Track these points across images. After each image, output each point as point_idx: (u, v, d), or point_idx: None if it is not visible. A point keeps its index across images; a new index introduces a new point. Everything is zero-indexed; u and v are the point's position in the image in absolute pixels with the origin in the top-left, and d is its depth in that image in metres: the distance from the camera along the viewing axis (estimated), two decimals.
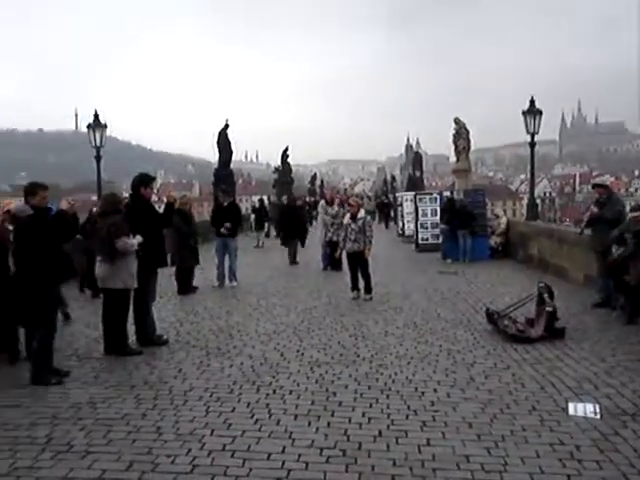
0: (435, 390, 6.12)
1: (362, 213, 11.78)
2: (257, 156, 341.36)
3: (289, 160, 47.44)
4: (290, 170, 47.55)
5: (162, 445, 4.86)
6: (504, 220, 19.21)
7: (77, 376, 6.72)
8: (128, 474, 4.40)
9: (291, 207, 19.78)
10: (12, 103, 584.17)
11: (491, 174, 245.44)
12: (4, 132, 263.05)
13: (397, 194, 36.68)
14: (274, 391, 6.14)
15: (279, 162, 47.85)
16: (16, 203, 7.21)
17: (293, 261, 17.51)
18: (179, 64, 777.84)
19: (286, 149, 47.08)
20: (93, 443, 4.93)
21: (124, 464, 4.54)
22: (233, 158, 33.46)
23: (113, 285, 7.48)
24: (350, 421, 5.32)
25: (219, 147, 31.99)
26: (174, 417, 5.46)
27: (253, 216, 27.02)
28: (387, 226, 36.92)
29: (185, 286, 12.41)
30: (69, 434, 5.11)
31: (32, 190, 6.59)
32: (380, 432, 5.08)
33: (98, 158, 19.66)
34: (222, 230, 13.38)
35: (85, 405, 5.82)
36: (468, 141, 26.36)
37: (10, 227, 7.18)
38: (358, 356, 7.44)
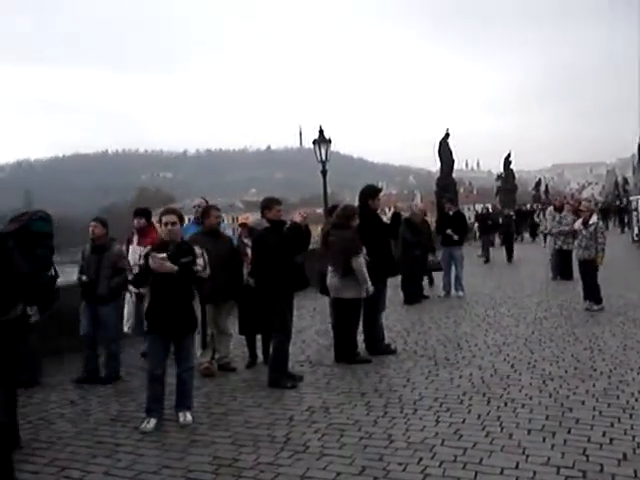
0: None
1: (594, 219, 11.10)
2: (478, 164, 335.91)
3: (512, 167, 46.13)
4: (513, 177, 46.22)
5: (393, 452, 4.90)
6: None
7: (310, 381, 7.03)
8: (361, 479, 4.49)
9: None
10: (243, 124, 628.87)
11: None
12: (237, 152, 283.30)
13: (631, 197, 34.41)
14: (505, 404, 5.95)
15: (501, 169, 46.71)
16: (253, 217, 7.73)
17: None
18: (393, 75, 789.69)
19: (508, 155, 45.88)
20: (327, 446, 5.10)
21: (357, 468, 4.64)
22: (454, 167, 33.24)
23: (346, 295, 7.72)
24: (589, 440, 4.99)
25: (440, 157, 31.94)
26: (404, 425, 5.50)
27: (477, 225, 26.59)
28: (622, 231, 34.97)
29: (411, 296, 12.49)
30: (305, 436, 5.35)
31: (268, 204, 7.02)
32: (625, 455, 4.69)
33: (324, 172, 20.45)
34: (448, 232, 13.34)
35: (318, 409, 6.05)
36: None
37: (247, 240, 7.72)
38: (595, 370, 6.99)
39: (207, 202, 8.77)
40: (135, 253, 7.93)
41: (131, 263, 7.49)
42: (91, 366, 7.43)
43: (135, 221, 8.55)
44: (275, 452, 5.01)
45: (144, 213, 8.75)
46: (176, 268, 5.70)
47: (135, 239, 8.43)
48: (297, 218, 6.95)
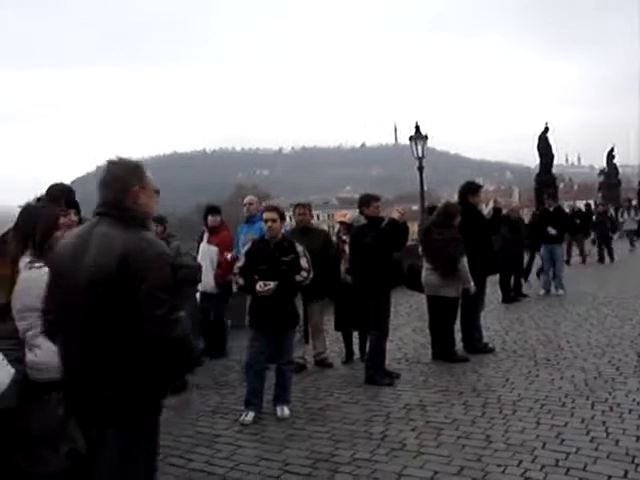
0: None
1: None
2: (579, 159, 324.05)
3: (615, 161, 44.28)
4: (617, 172, 44.35)
5: (492, 454, 4.80)
6: None
7: (407, 379, 6.98)
8: (458, 479, 4.43)
9: None
10: (338, 121, 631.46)
11: None
12: (332, 149, 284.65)
13: None
14: (611, 408, 5.71)
15: (604, 164, 44.91)
16: (350, 214, 7.74)
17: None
18: (489, 69, 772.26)
19: (612, 149, 44.03)
20: (424, 444, 5.05)
21: (455, 468, 4.58)
22: (554, 162, 32.24)
23: (444, 293, 7.63)
24: None
25: (539, 152, 31.05)
26: (503, 426, 5.38)
27: (578, 222, 25.62)
28: None
29: (510, 294, 12.24)
30: (402, 433, 5.32)
31: (366, 201, 7.02)
32: None
33: (420, 169, 20.26)
34: (549, 229, 12.94)
35: (415, 407, 6.01)
36: None
37: (345, 237, 7.74)
38: None
39: (259, 200, 8.38)
40: (204, 251, 8.04)
41: (199, 260, 7.59)
42: None
43: (210, 218, 8.43)
44: (372, 448, 5.01)
45: (220, 211, 8.63)
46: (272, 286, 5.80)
47: (205, 237, 8.34)
48: (395, 215, 6.93)
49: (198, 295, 8.22)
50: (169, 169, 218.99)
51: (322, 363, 7.67)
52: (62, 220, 3.91)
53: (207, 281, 7.86)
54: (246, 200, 8.42)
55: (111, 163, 3.05)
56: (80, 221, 4.75)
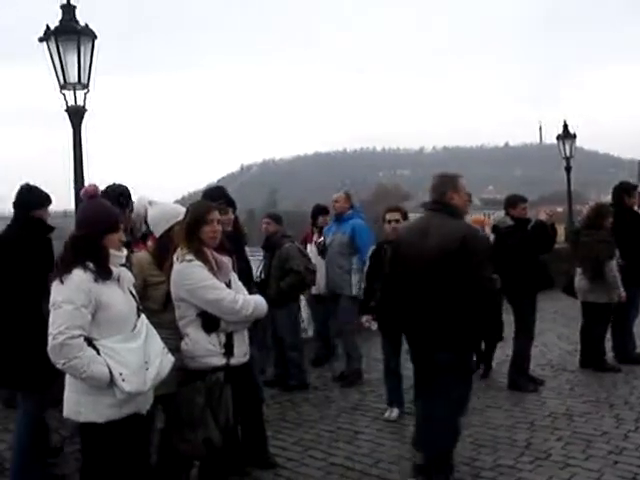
0: None
1: None
2: None
3: None
4: None
5: None
6: None
7: (552, 386, 6.74)
8: None
9: None
10: (480, 120, 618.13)
11: None
12: (474, 148, 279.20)
13: None
14: None
15: None
16: (495, 215, 7.53)
17: None
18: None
19: None
20: (571, 455, 4.85)
21: None
22: None
23: (595, 299, 7.28)
24: None
25: None
26: None
27: None
28: None
29: None
30: (547, 442, 5.14)
31: (512, 202, 6.84)
32: None
33: (568, 169, 19.44)
34: None
35: (561, 416, 5.78)
36: None
37: (490, 237, 7.57)
38: None
39: (348, 195, 7.72)
40: (315, 253, 7.70)
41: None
42: (279, 370, 7.23)
43: (320, 219, 8.21)
44: (515, 456, 4.88)
45: (328, 211, 8.23)
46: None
47: (315, 237, 8.10)
48: (542, 216, 6.71)
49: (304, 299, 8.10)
50: (310, 169, 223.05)
51: None
52: (221, 217, 4.10)
53: (318, 283, 7.49)
54: (333, 197, 7.77)
55: (437, 176, 4.52)
56: (236, 218, 4.96)
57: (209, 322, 3.78)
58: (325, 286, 7.47)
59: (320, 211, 8.31)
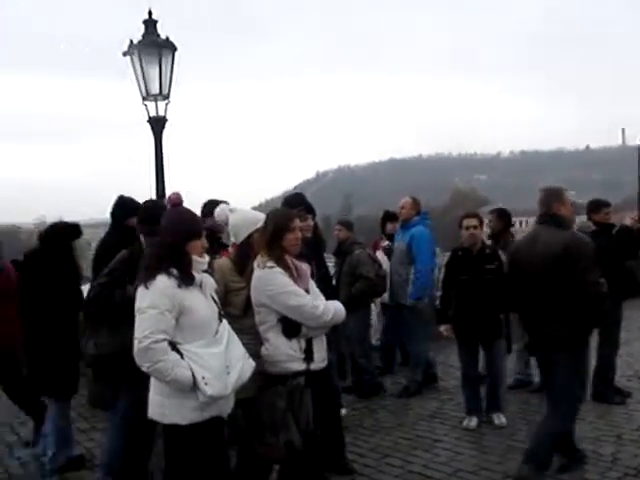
0: None
1: None
2: None
3: None
4: None
5: None
6: None
7: (639, 398, 6.50)
8: None
9: None
10: (559, 123, 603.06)
11: None
12: (553, 152, 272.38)
13: None
14: None
15: None
16: (578, 220, 7.34)
17: None
18: None
19: None
20: None
21: None
22: None
23: None
24: None
25: None
26: None
27: None
28: None
29: None
30: (636, 458, 4.94)
31: (596, 207, 6.64)
32: None
33: None
34: None
35: None
36: None
37: None
38: None
39: (415, 200, 7.35)
40: (383, 261, 7.51)
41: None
42: (354, 377, 7.15)
43: (389, 225, 8.05)
44: (601, 470, 4.73)
45: (397, 218, 7.86)
46: None
47: (385, 244, 7.95)
48: (627, 221, 6.51)
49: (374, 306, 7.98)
50: (386, 175, 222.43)
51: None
52: (301, 224, 4.13)
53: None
54: (400, 203, 7.44)
55: (542, 190, 4.77)
56: (316, 225, 4.99)
57: (290, 328, 3.81)
58: (388, 295, 7.35)
59: (389, 217, 8.17)
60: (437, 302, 6.45)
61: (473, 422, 5.78)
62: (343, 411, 5.66)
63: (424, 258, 6.86)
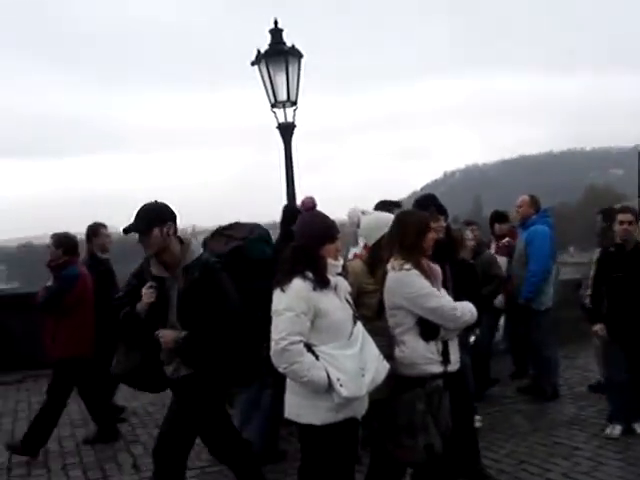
0: None
1: None
2: None
3: None
4: None
5: None
6: None
7: None
8: None
9: None
10: None
11: None
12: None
13: None
14: None
15: None
16: None
17: None
18: None
19: None
20: None
21: None
22: None
23: None
24: None
25: None
26: None
27: None
28: None
29: None
30: None
31: None
32: None
33: None
34: None
35: None
36: None
37: None
38: None
39: (533, 198, 7.07)
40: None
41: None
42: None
43: (497, 226, 7.71)
44: None
45: (505, 218, 7.68)
46: None
47: (493, 246, 7.64)
48: None
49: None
50: (516, 173, 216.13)
51: None
52: (433, 225, 4.10)
53: None
54: (517, 201, 7.25)
55: None
56: (448, 226, 4.92)
57: (428, 330, 3.78)
58: (503, 297, 7.08)
59: (497, 218, 7.81)
60: (586, 301, 6.12)
61: (617, 430, 5.50)
62: (477, 417, 5.55)
63: (538, 258, 6.64)
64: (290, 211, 5.34)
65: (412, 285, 3.77)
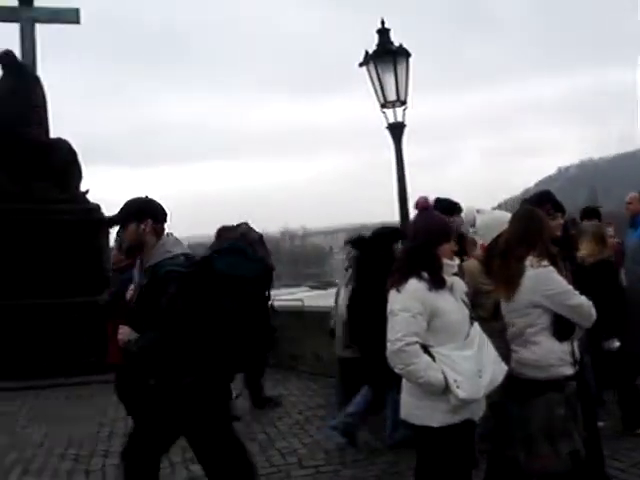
0: None
1: None
2: None
3: None
4: None
5: None
6: None
7: None
8: None
9: None
10: None
11: None
12: None
13: None
14: None
15: None
16: None
17: None
18: None
19: None
20: None
21: None
22: None
23: None
24: None
25: None
26: None
27: None
28: None
29: None
30: None
31: None
32: None
33: None
34: None
35: None
36: None
37: None
38: None
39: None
40: None
41: None
42: None
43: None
44: None
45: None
46: None
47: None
48: None
49: None
50: (636, 166, 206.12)
51: None
52: (552, 223, 3.97)
53: None
54: (626, 198, 7.03)
55: None
56: (565, 223, 4.75)
57: (564, 329, 3.64)
58: None
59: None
60: None
61: None
62: (600, 423, 5.31)
63: None
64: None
65: (553, 282, 3.64)
